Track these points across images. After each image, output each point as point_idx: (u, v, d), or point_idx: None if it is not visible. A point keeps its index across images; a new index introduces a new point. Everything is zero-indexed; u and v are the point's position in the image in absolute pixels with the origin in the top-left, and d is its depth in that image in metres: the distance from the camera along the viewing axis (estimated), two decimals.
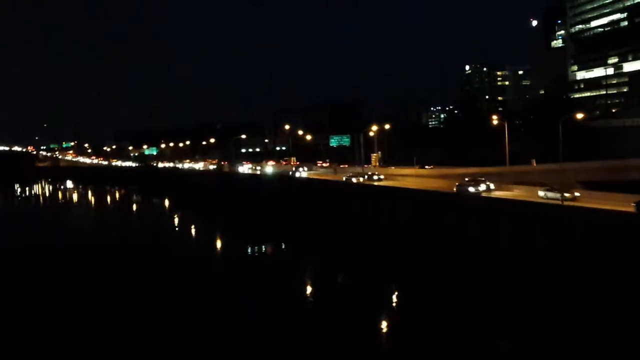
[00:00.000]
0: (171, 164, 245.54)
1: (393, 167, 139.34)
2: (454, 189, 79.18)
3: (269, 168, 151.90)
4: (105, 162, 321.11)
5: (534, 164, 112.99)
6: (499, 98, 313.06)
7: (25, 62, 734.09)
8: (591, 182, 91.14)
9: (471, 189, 76.62)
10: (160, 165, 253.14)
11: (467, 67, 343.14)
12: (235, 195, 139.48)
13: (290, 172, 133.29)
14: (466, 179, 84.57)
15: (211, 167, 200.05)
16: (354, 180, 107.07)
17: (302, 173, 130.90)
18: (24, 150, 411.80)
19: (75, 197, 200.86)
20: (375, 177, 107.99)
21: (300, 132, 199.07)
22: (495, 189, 79.36)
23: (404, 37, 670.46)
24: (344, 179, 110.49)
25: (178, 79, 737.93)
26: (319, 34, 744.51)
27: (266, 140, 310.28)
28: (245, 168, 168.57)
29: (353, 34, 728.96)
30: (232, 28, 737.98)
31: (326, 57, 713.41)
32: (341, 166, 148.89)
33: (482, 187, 78.36)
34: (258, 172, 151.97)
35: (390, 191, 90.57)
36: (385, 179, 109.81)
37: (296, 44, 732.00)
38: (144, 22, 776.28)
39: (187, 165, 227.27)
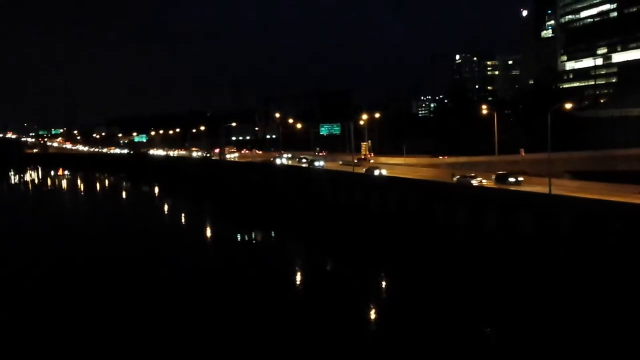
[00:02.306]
0: (176, 152, 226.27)
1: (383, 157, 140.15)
2: None
3: (320, 161, 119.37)
4: (96, 149, 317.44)
5: (523, 154, 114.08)
6: (489, 88, 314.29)
7: (15, 47, 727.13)
8: (579, 172, 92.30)
9: None
10: (163, 153, 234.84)
11: (458, 57, 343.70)
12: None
13: (365, 170, 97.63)
14: None
15: (231, 156, 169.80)
16: (474, 182, 73.51)
17: (382, 171, 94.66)
18: (17, 137, 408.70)
19: (65, 184, 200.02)
20: (512, 179, 73.35)
21: (291, 121, 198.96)
22: None
23: (394, 26, 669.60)
24: (454, 179, 76.73)
25: (170, 66, 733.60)
26: (310, 22, 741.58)
27: (256, 129, 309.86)
28: (284, 159, 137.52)
29: (344, 24, 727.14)
30: (222, 14, 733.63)
31: (317, 45, 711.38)
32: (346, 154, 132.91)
33: None
34: (304, 165, 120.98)
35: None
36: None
37: (286, 32, 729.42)
38: (134, 8, 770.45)
39: (195, 154, 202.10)
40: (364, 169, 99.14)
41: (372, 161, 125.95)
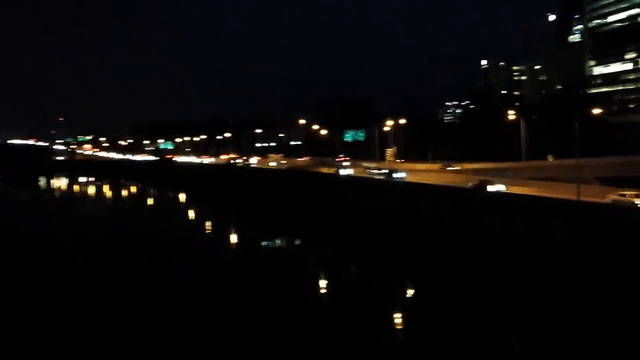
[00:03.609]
0: (212, 159, 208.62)
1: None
2: None
3: (401, 173, 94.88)
4: (125, 156, 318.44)
5: (551, 160, 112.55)
6: (515, 93, 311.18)
7: (40, 55, 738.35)
8: (609, 177, 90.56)
9: None
10: (197, 160, 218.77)
11: (484, 62, 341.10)
12: None
13: (472, 185, 73.51)
14: None
15: (274, 163, 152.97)
16: None
17: (499, 187, 70.19)
18: (46, 144, 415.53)
19: (93, 191, 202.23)
20: None
21: (316, 127, 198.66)
22: None
23: (420, 31, 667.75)
24: (609, 201, 55.45)
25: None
26: (328, 25, 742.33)
27: (281, 135, 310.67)
28: (349, 169, 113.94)
29: (367, 27, 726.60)
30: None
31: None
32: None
33: None
34: (382, 177, 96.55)
35: None
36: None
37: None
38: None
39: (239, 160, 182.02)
40: (470, 184, 74.81)
41: (457, 167, 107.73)
